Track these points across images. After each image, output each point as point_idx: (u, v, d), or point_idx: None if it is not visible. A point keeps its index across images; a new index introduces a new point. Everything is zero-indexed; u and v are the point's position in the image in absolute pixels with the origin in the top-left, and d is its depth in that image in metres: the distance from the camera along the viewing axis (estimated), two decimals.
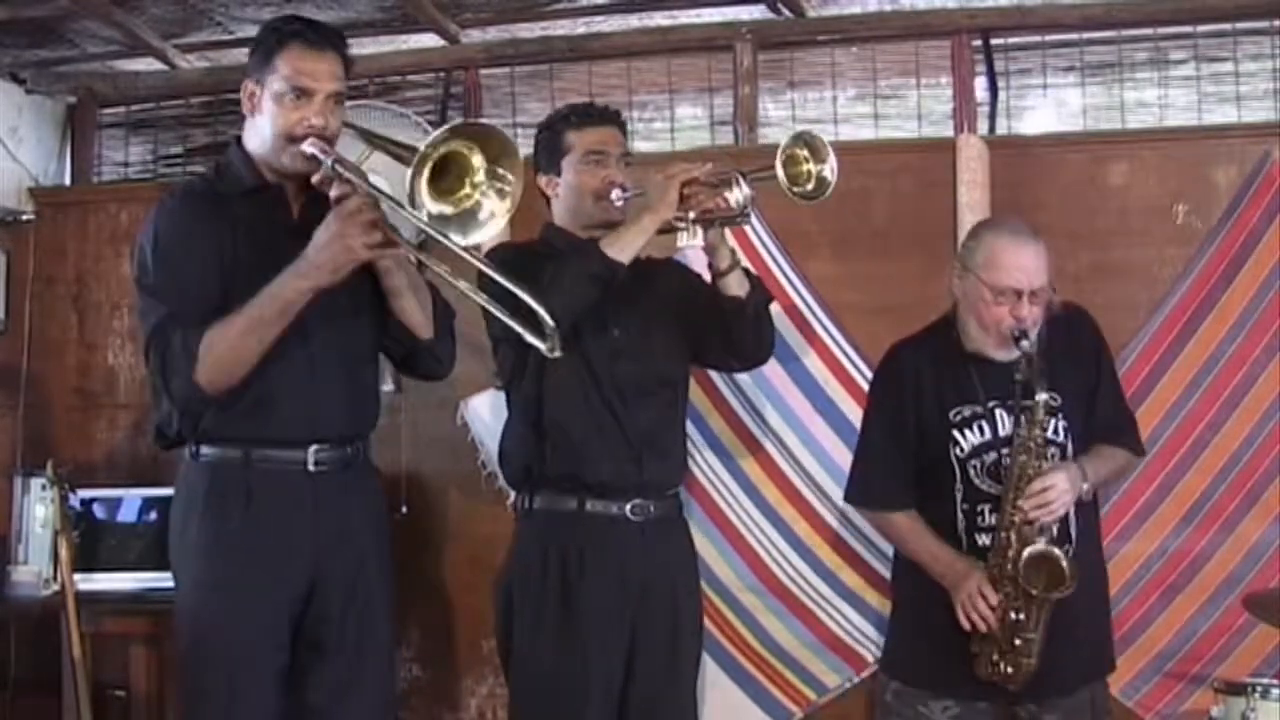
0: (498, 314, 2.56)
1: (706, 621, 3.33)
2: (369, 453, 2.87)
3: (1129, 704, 3.72)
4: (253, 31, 4.47)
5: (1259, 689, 3.00)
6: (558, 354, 2.54)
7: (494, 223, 2.55)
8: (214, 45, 4.70)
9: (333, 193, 2.59)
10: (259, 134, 2.70)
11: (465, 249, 2.52)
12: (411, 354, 2.84)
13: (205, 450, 2.70)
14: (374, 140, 2.82)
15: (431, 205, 2.48)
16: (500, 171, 2.52)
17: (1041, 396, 2.89)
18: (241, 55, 4.64)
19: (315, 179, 2.62)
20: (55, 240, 4.75)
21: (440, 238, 2.50)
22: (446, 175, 2.50)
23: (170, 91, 4.86)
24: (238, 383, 2.60)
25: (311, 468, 2.70)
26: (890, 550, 3.45)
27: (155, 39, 4.59)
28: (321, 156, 2.60)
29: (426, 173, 2.45)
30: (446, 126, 2.50)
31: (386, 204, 2.57)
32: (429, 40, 4.57)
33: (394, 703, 2.90)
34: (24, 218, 4.75)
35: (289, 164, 2.66)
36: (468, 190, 2.52)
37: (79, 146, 4.94)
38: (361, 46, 4.59)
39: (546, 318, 2.50)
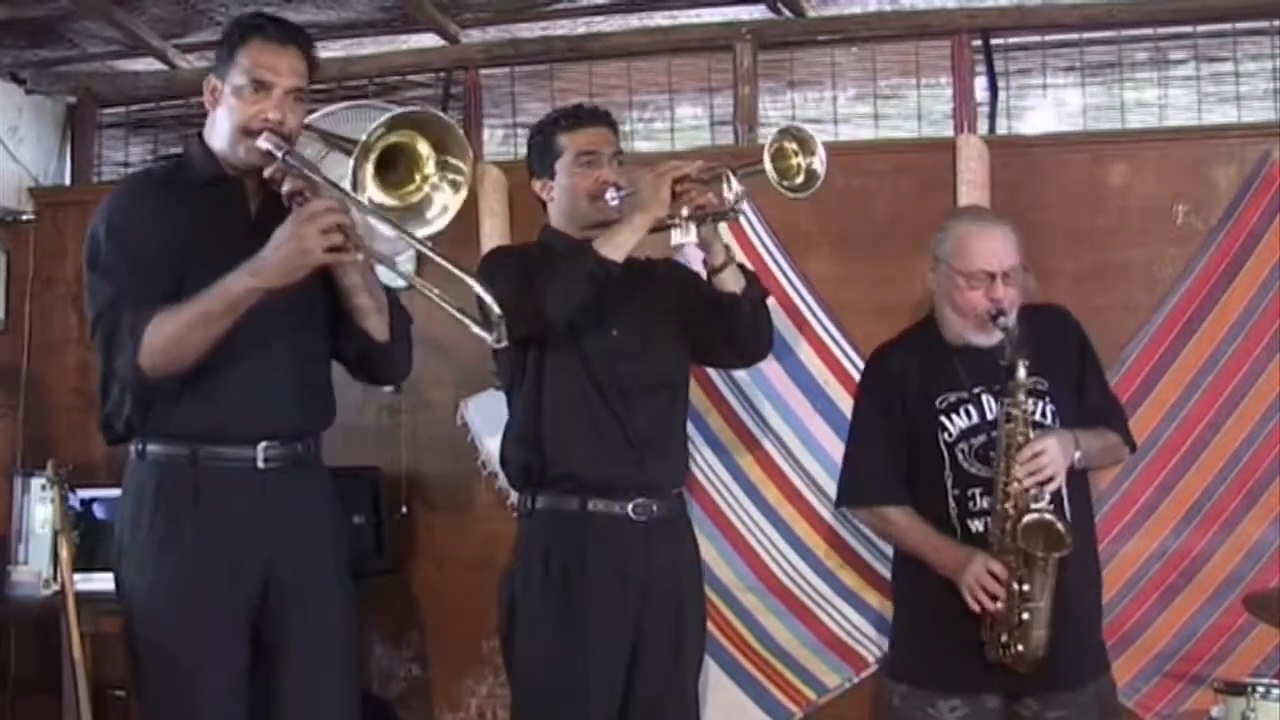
0: (445, 305, 2.55)
1: (707, 621, 3.32)
2: (320, 451, 2.83)
3: (1129, 704, 3.72)
4: None
5: (1259, 689, 3.00)
6: (504, 344, 2.56)
7: (444, 216, 2.54)
8: (214, 45, 4.64)
9: (285, 188, 2.58)
10: (218, 128, 2.69)
11: (419, 240, 2.52)
12: (365, 357, 2.79)
13: (152, 448, 2.67)
14: (330, 140, 2.81)
15: (378, 198, 2.48)
16: (451, 161, 2.51)
17: (1023, 363, 2.93)
18: None
19: (267, 173, 2.60)
20: (55, 240, 4.74)
21: (394, 228, 2.49)
22: (396, 169, 2.49)
23: (170, 91, 4.85)
24: (181, 372, 2.57)
25: (261, 465, 2.66)
26: (890, 550, 3.46)
27: (155, 39, 4.59)
28: (275, 151, 2.58)
29: (371, 165, 2.45)
30: (383, 119, 2.48)
31: (345, 203, 2.54)
32: (429, 40, 4.57)
33: (356, 701, 2.85)
34: (24, 218, 4.76)
35: (245, 157, 2.64)
36: (417, 183, 2.52)
37: (79, 146, 4.94)
38: (361, 46, 4.61)
39: (493, 305, 2.51)
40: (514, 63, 4.56)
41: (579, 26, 4.48)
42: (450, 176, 2.52)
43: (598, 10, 4.39)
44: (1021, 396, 2.95)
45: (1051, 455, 2.94)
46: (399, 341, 2.79)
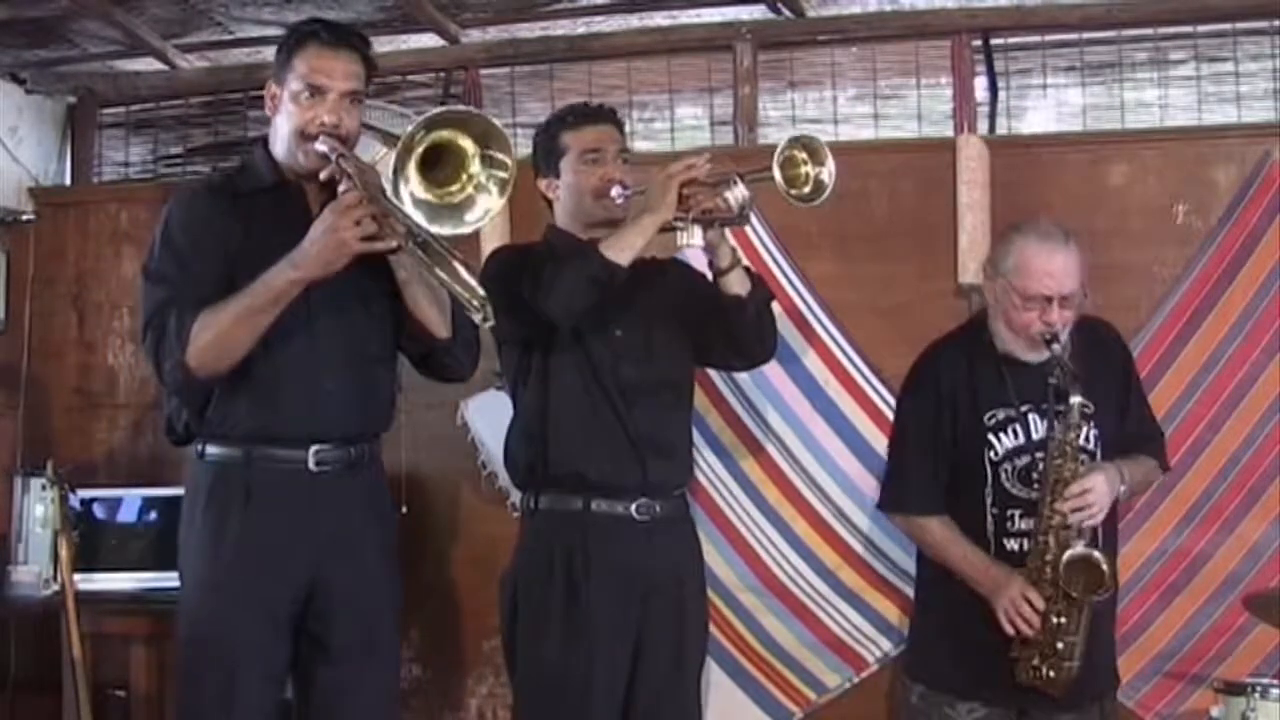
0: (445, 285, 2.54)
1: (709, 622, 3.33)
2: (378, 454, 2.87)
3: (1129, 704, 3.72)
4: (253, 31, 4.52)
5: (1259, 689, 3.00)
6: (490, 323, 2.55)
7: (484, 220, 2.55)
8: (214, 45, 4.70)
9: (340, 189, 2.61)
10: (278, 134, 2.74)
11: (420, 227, 2.51)
12: (429, 354, 2.84)
13: (211, 449, 2.72)
14: (390, 139, 2.82)
15: (421, 195, 2.49)
16: (497, 156, 2.51)
17: (1076, 399, 2.89)
18: (242, 55, 4.68)
19: (323, 175, 2.64)
20: (55, 240, 4.74)
21: (423, 230, 2.49)
22: (442, 166, 2.50)
23: (170, 91, 4.86)
24: (228, 369, 2.61)
25: (313, 467, 2.70)
26: (892, 551, 3.46)
27: (155, 39, 4.59)
28: (330, 154, 2.62)
29: (415, 162, 2.46)
30: (425, 116, 2.48)
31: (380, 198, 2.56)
32: (429, 40, 4.57)
33: (396, 706, 2.88)
34: (24, 218, 4.75)
35: (304, 162, 2.69)
36: (462, 183, 2.52)
37: (79, 146, 4.94)
38: None
39: (478, 288, 2.50)
40: (514, 63, 4.56)
41: (579, 26, 4.48)
42: (497, 175, 2.52)
43: (598, 10, 4.39)
44: (1072, 435, 2.92)
45: (1099, 494, 2.92)
46: (461, 338, 2.82)
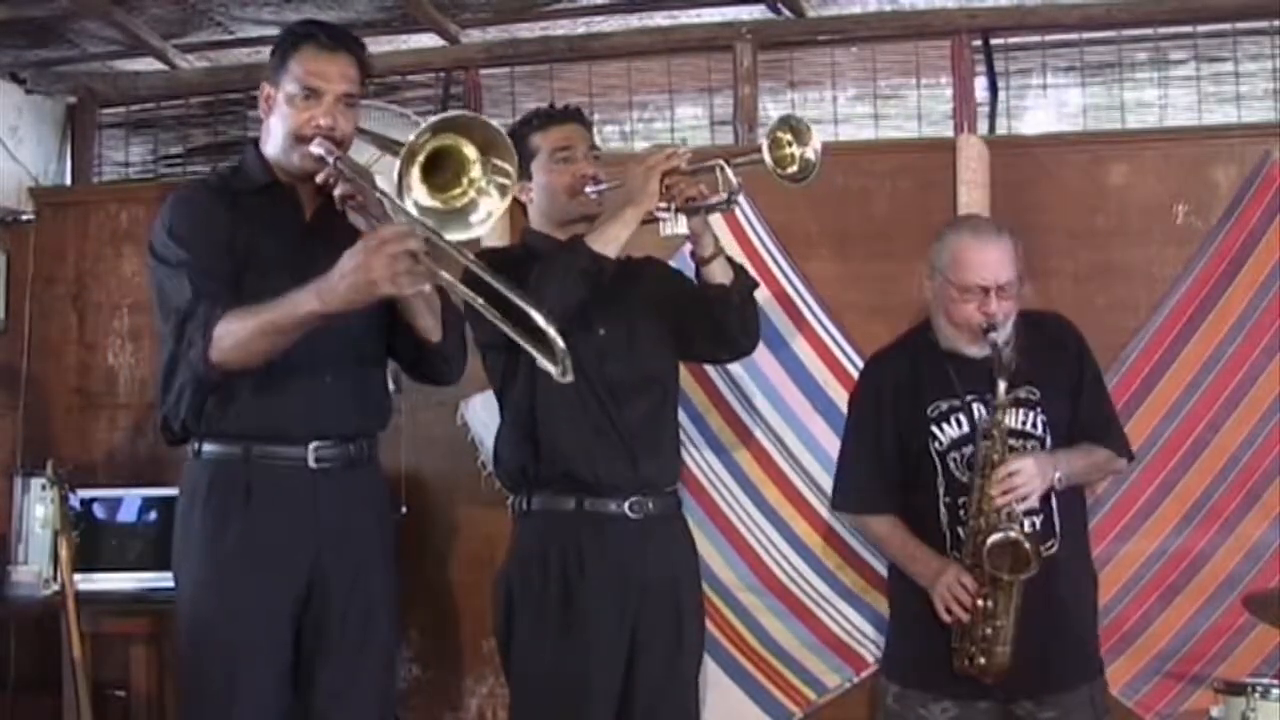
0: (515, 338, 2.46)
1: (706, 621, 3.32)
2: (376, 452, 2.86)
3: (1129, 704, 3.72)
4: (253, 31, 4.51)
5: (1259, 689, 3.00)
6: (569, 379, 2.44)
7: (487, 223, 2.54)
8: (214, 45, 4.70)
9: (337, 192, 2.60)
10: (272, 135, 2.73)
11: (478, 264, 2.51)
12: (420, 358, 2.83)
13: (208, 447, 2.71)
14: (387, 145, 2.82)
15: (424, 201, 2.48)
16: (498, 164, 2.51)
17: (1003, 384, 2.93)
18: (242, 55, 4.68)
19: (319, 179, 2.63)
20: (55, 240, 4.75)
21: (439, 240, 2.47)
22: (443, 172, 2.50)
23: (170, 91, 4.86)
24: (247, 371, 2.61)
25: (313, 464, 2.70)
26: None
27: (155, 39, 4.59)
28: (327, 157, 2.61)
29: (418, 168, 2.45)
30: (430, 122, 2.48)
31: (389, 208, 2.55)
32: (429, 40, 4.57)
33: (391, 704, 2.87)
34: (24, 218, 4.76)
35: (298, 164, 2.68)
36: (464, 187, 2.52)
37: (79, 146, 4.94)
38: None
39: (558, 340, 2.42)
40: (514, 63, 4.56)
41: (579, 26, 4.48)
42: (498, 180, 2.52)
43: (598, 10, 4.40)
44: (1000, 415, 2.96)
45: (1027, 475, 2.94)
46: (452, 341, 2.81)
